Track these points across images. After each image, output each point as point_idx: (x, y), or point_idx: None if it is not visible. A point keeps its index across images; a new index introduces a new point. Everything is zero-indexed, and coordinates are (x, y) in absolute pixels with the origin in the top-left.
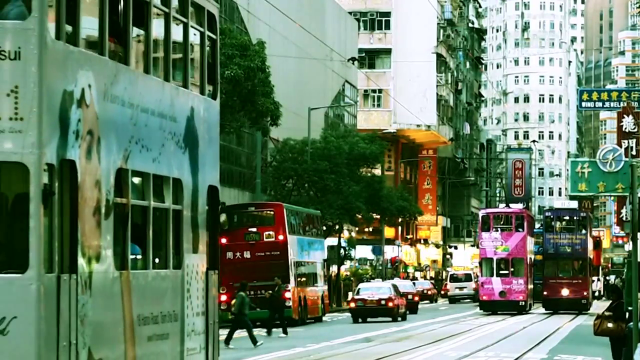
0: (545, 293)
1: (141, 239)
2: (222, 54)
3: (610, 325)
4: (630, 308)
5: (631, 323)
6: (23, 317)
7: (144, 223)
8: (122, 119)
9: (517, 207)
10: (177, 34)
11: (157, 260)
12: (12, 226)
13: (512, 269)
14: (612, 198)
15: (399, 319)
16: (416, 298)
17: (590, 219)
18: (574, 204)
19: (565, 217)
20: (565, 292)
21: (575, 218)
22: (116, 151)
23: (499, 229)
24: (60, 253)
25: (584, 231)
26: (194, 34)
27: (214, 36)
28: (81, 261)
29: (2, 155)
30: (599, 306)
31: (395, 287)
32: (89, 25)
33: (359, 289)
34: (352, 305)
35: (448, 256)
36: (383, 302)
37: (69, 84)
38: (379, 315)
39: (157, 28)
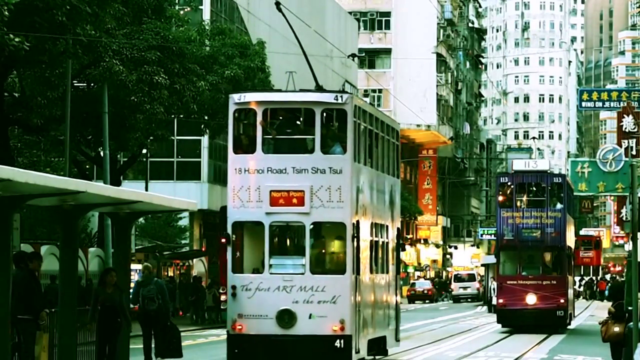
0: (500, 301)
1: (376, 258)
2: (222, 54)
3: (616, 329)
4: (630, 308)
5: (631, 323)
6: (343, 295)
7: (376, 250)
8: (372, 197)
9: None
10: (386, 146)
11: (380, 268)
12: (338, 253)
13: None
14: (612, 198)
15: None
16: None
17: (569, 187)
18: (544, 164)
19: (530, 185)
20: (530, 299)
21: (545, 186)
22: (370, 214)
23: None
24: (355, 265)
25: (559, 205)
26: (392, 144)
27: (397, 143)
28: (360, 269)
29: (336, 218)
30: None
31: None
32: (362, 151)
33: None
34: None
35: (448, 256)
36: None
37: (358, 183)
38: None
39: (380, 144)
